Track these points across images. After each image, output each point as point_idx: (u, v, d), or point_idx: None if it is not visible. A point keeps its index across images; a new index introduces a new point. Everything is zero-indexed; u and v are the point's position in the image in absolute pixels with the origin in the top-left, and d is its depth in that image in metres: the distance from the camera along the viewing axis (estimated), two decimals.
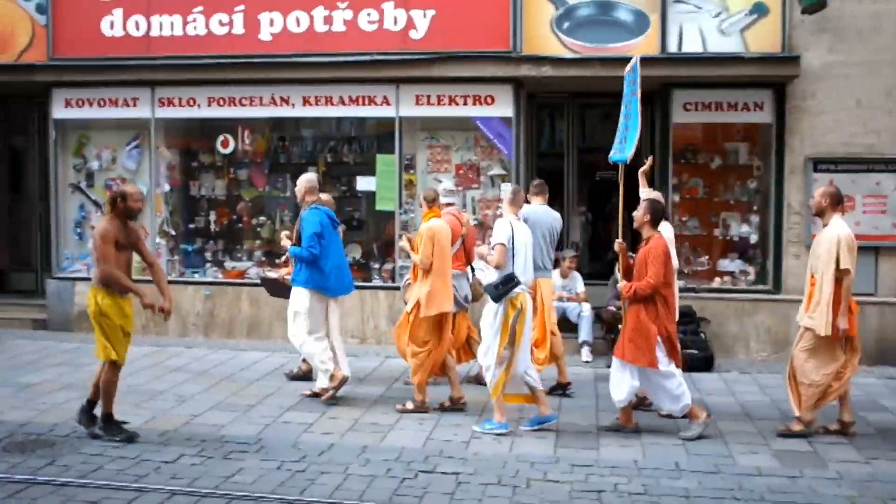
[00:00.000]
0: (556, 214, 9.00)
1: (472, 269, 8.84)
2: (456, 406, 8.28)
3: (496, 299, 7.47)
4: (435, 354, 8.12)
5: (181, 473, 6.42)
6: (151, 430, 7.50)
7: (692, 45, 10.62)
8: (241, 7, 11.20)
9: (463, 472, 6.53)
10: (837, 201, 7.52)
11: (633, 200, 8.07)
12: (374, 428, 7.67)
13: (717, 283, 11.14)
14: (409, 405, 8.21)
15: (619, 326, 9.50)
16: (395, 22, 10.91)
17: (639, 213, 7.62)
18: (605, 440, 7.42)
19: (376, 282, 11.46)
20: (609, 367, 9.73)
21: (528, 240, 7.78)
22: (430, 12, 10.82)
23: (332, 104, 11.25)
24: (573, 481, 6.40)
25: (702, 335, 10.44)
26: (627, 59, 10.19)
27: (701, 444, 7.33)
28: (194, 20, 11.32)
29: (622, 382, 7.53)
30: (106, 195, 11.89)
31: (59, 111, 11.90)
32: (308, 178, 8.59)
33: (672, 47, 10.62)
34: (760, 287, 10.98)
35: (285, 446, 7.10)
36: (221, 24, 11.27)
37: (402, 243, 8.51)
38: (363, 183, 11.34)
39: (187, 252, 12.21)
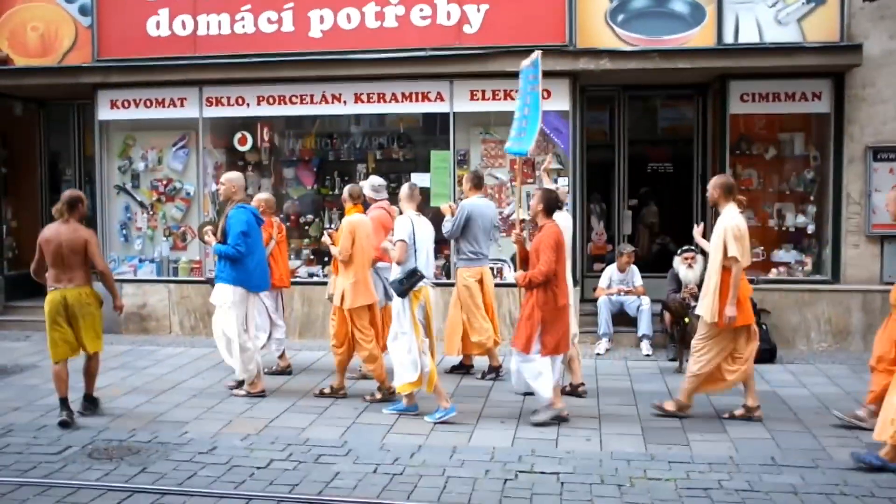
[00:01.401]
0: (493, 205, 9.53)
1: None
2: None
3: (401, 294, 7.64)
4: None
5: (279, 479, 6.32)
6: (233, 433, 7.40)
7: (748, 36, 10.54)
8: (291, 4, 11.09)
9: (562, 472, 6.44)
10: (730, 191, 7.63)
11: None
12: (457, 428, 7.57)
13: (773, 273, 11.07)
14: (377, 395, 8.45)
15: (686, 320, 9.52)
16: (449, 17, 10.81)
17: (533, 202, 7.73)
18: (692, 435, 7.34)
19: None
20: (672, 360, 9.83)
21: (431, 235, 7.93)
22: (484, 6, 10.73)
23: (385, 101, 11.16)
24: (676, 479, 6.32)
25: (763, 326, 10.33)
26: (688, 52, 10.26)
27: (790, 437, 7.28)
28: (242, 18, 11.21)
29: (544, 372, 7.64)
30: (152, 196, 11.88)
31: (104, 113, 11.79)
32: (236, 177, 8.68)
33: (728, 38, 10.54)
34: (819, 277, 10.92)
35: (373, 448, 7.00)
36: (270, 21, 11.15)
37: (324, 238, 8.65)
38: (417, 179, 11.20)
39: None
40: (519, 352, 7.58)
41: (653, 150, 12.58)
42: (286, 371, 9.61)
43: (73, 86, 11.79)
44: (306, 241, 11.97)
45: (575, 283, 10.88)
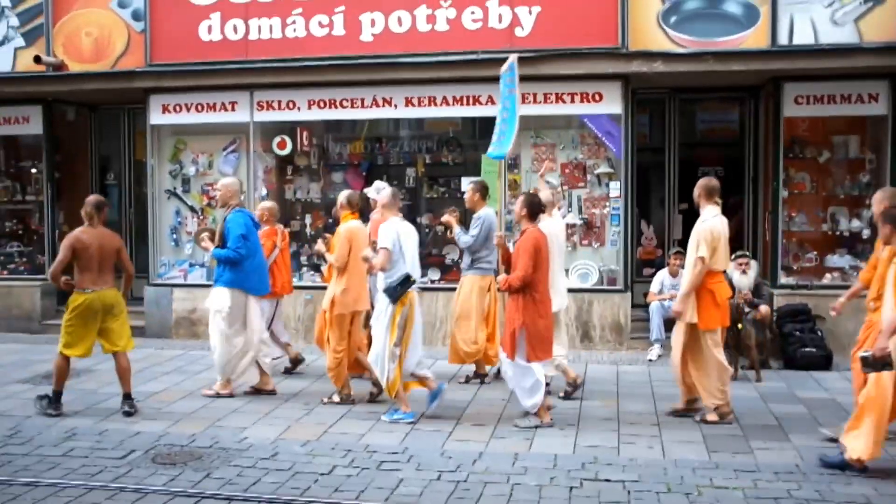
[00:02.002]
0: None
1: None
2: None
3: (395, 300, 7.72)
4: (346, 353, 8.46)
5: (343, 486, 6.31)
6: (292, 439, 7.42)
7: (803, 37, 10.37)
8: (342, 8, 11.11)
9: (627, 480, 6.38)
10: (711, 193, 7.86)
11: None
12: (518, 435, 7.53)
13: (826, 279, 10.92)
14: (335, 398, 8.55)
15: (739, 326, 9.42)
16: (500, 20, 10.77)
17: (516, 207, 7.78)
18: (754, 443, 7.25)
19: None
20: (743, 367, 9.69)
21: (416, 240, 8.01)
22: (536, 9, 10.68)
23: (436, 104, 11.14)
24: (743, 487, 6.24)
25: (818, 333, 10.22)
26: (743, 54, 10.15)
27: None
28: (293, 22, 11.24)
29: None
30: (202, 200, 11.96)
31: (156, 117, 11.89)
32: (231, 182, 8.89)
33: (782, 40, 10.38)
34: None
35: (434, 455, 6.98)
36: (321, 25, 11.18)
37: (318, 245, 8.71)
38: (468, 184, 11.18)
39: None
40: (507, 358, 7.63)
41: (702, 153, 12.43)
42: (299, 361, 9.90)
43: (125, 90, 11.91)
44: None
45: (625, 287, 10.89)
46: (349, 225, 8.40)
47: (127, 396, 8.26)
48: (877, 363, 6.29)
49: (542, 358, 7.64)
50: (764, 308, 9.93)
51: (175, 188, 12.11)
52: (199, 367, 10.31)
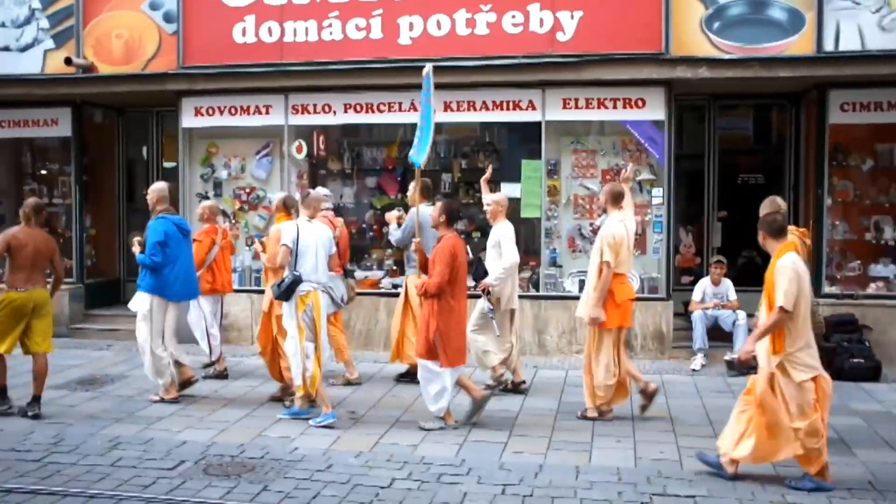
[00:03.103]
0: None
1: (346, 272, 9.52)
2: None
3: (280, 298, 7.84)
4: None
5: (407, 500, 6.13)
6: (345, 451, 7.23)
7: (849, 43, 10.22)
8: (380, 11, 10.95)
9: (697, 496, 6.22)
10: (616, 199, 8.11)
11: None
12: (575, 446, 7.37)
13: (871, 289, 10.78)
14: (287, 402, 8.55)
15: None
16: (542, 24, 10.62)
17: (434, 213, 7.85)
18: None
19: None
20: None
21: (322, 241, 8.06)
22: (578, 13, 10.53)
23: (475, 109, 11.00)
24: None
25: (866, 343, 10.06)
26: (789, 60, 10.01)
27: None
28: (329, 25, 11.08)
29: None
30: (234, 204, 11.79)
31: (188, 120, 11.72)
32: (158, 187, 8.93)
33: (828, 46, 10.24)
34: None
35: (493, 468, 6.80)
36: (358, 28, 11.02)
37: (255, 246, 8.71)
38: (508, 190, 11.01)
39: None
40: (422, 361, 7.75)
41: (742, 161, 12.30)
42: (223, 375, 9.84)
43: (155, 93, 11.75)
44: (388, 251, 11.80)
45: (667, 296, 10.74)
46: (282, 226, 8.36)
47: (36, 399, 8.24)
48: (742, 366, 6.45)
49: (454, 364, 7.72)
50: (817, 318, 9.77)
51: (206, 192, 11.92)
52: (234, 374, 10.11)
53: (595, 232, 10.80)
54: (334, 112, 11.33)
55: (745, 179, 12.15)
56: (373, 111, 11.25)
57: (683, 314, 11.04)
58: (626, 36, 10.46)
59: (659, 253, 10.78)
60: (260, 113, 11.53)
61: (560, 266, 11.01)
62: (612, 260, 7.88)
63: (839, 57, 10.13)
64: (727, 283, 10.64)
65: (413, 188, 8.96)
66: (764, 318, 6.40)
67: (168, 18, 11.68)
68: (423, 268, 8.02)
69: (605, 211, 8.31)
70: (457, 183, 11.91)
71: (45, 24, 12.10)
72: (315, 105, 11.35)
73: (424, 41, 10.87)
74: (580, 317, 8.29)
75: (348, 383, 9.47)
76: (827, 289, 10.69)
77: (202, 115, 11.69)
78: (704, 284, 10.67)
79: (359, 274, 11.73)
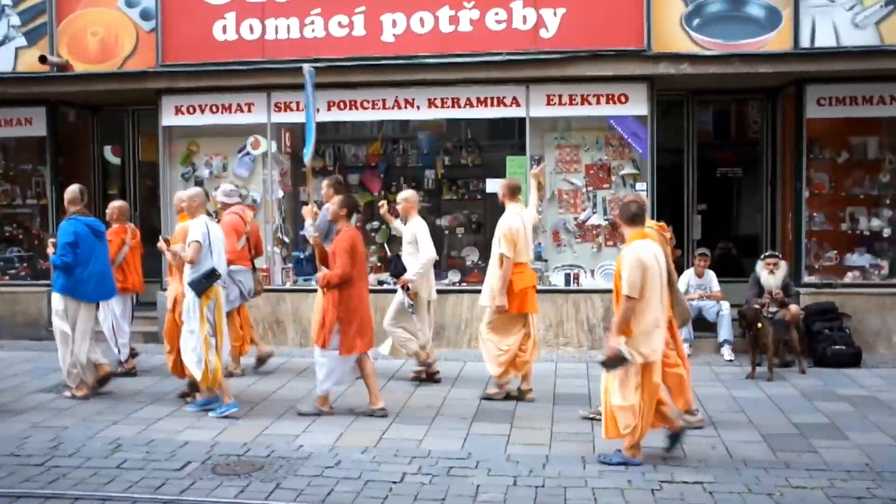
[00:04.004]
0: None
1: (254, 266, 9.90)
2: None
3: (199, 293, 8.04)
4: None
5: (422, 494, 6.15)
6: (350, 447, 7.24)
7: (824, 40, 10.45)
8: (362, 8, 10.94)
9: (705, 482, 6.35)
10: (514, 192, 8.61)
11: None
12: (578, 437, 7.48)
13: (848, 278, 11.05)
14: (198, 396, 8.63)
15: (759, 325, 9.48)
16: (525, 21, 10.69)
17: (334, 207, 8.19)
18: (816, 442, 7.28)
19: None
20: (759, 364, 9.73)
21: (222, 237, 8.44)
22: (561, 10, 10.62)
23: (459, 106, 11.02)
24: (821, 487, 6.24)
25: (846, 330, 10.32)
26: (769, 56, 10.24)
27: None
28: (312, 22, 11.04)
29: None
30: (217, 204, 11.66)
31: (168, 118, 11.58)
32: (70, 190, 9.13)
33: (804, 42, 10.46)
34: None
35: (500, 460, 6.87)
36: (341, 25, 11.00)
37: (160, 244, 8.86)
38: (493, 185, 11.10)
39: (298, 259, 11.94)
40: (320, 348, 8.02)
41: (720, 155, 12.52)
42: (131, 373, 9.97)
43: (132, 91, 11.58)
44: (372, 247, 11.79)
45: None
46: (190, 223, 8.48)
47: None
48: (613, 362, 6.55)
49: (355, 351, 8.04)
50: (794, 308, 10.02)
51: None
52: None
53: (580, 226, 10.98)
54: (318, 109, 11.21)
55: (723, 173, 12.38)
56: (356, 108, 11.23)
57: None
58: (609, 33, 10.57)
59: None
60: (242, 111, 11.45)
61: (546, 260, 11.10)
62: (510, 251, 8.30)
63: (816, 53, 10.36)
64: (710, 275, 10.84)
65: (325, 185, 9.29)
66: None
67: (145, 16, 11.53)
68: (323, 261, 8.23)
69: (502, 205, 8.69)
70: (440, 179, 11.94)
71: (15, 20, 11.86)
72: (298, 102, 11.25)
73: (408, 38, 10.87)
74: (483, 305, 8.68)
75: (230, 374, 9.51)
76: (806, 278, 10.95)
77: (182, 113, 11.57)
78: (688, 276, 10.85)
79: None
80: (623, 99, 10.73)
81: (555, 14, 10.64)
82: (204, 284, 8.01)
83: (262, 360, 10.11)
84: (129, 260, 9.91)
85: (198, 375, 8.13)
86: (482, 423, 7.92)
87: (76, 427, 7.90)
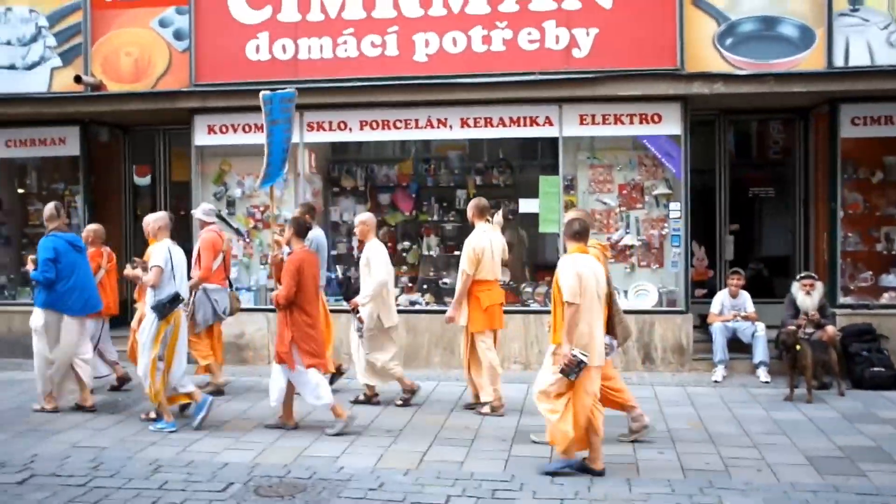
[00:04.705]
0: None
1: (231, 284, 10.15)
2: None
3: (162, 317, 8.22)
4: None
5: None
6: (391, 468, 7.19)
7: (858, 59, 10.44)
8: (395, 28, 10.97)
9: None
10: (482, 212, 8.95)
11: None
12: (619, 458, 7.39)
13: (884, 298, 10.96)
14: (153, 414, 8.75)
15: (798, 347, 9.38)
16: (557, 41, 10.69)
17: (286, 229, 8.43)
18: (864, 466, 7.18)
19: (534, 306, 11.21)
20: (796, 387, 9.63)
21: (185, 262, 8.61)
22: (594, 30, 10.62)
23: (492, 125, 11.02)
24: None
25: (884, 352, 10.22)
26: (803, 75, 10.22)
27: None
28: (345, 42, 11.09)
29: (274, 384, 8.29)
30: (248, 223, 11.72)
31: (200, 138, 11.63)
32: (46, 208, 9.31)
33: (838, 61, 10.44)
34: None
35: (543, 482, 6.80)
36: (374, 45, 11.03)
37: (127, 270, 8.86)
38: (525, 205, 11.10)
39: (329, 280, 11.89)
40: (286, 368, 8.14)
41: (752, 174, 12.48)
42: (126, 380, 10.15)
43: (164, 111, 11.64)
44: (404, 268, 11.78)
45: (686, 309, 10.83)
46: (153, 248, 8.60)
47: None
48: (570, 369, 6.74)
49: (314, 365, 8.17)
50: (831, 329, 9.94)
51: (220, 210, 11.78)
52: (259, 394, 9.97)
53: (613, 246, 10.94)
54: (350, 129, 11.31)
55: (755, 193, 12.33)
56: (389, 128, 11.24)
57: (699, 326, 11.15)
58: (641, 52, 10.57)
59: (677, 266, 10.87)
60: None
61: None
62: (470, 269, 8.68)
63: (851, 72, 10.33)
64: (745, 295, 10.76)
65: (298, 212, 9.42)
66: (551, 317, 7.04)
67: (178, 36, 11.61)
68: (279, 280, 8.40)
69: (472, 224, 9.00)
70: (472, 199, 11.88)
71: (51, 41, 11.97)
72: (330, 122, 11.32)
73: (440, 58, 10.90)
74: (451, 317, 8.97)
75: (217, 389, 9.78)
76: (842, 299, 10.85)
77: (215, 132, 11.61)
78: (722, 296, 10.78)
79: None
80: (656, 118, 10.71)
81: (587, 34, 10.64)
82: (168, 309, 8.21)
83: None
84: (104, 283, 9.99)
85: (147, 391, 8.42)
86: (522, 445, 7.86)
87: (115, 447, 7.87)
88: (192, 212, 10.28)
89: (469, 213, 9.05)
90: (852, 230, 11.11)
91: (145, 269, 8.53)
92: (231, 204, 11.85)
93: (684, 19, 10.50)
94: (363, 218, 9.40)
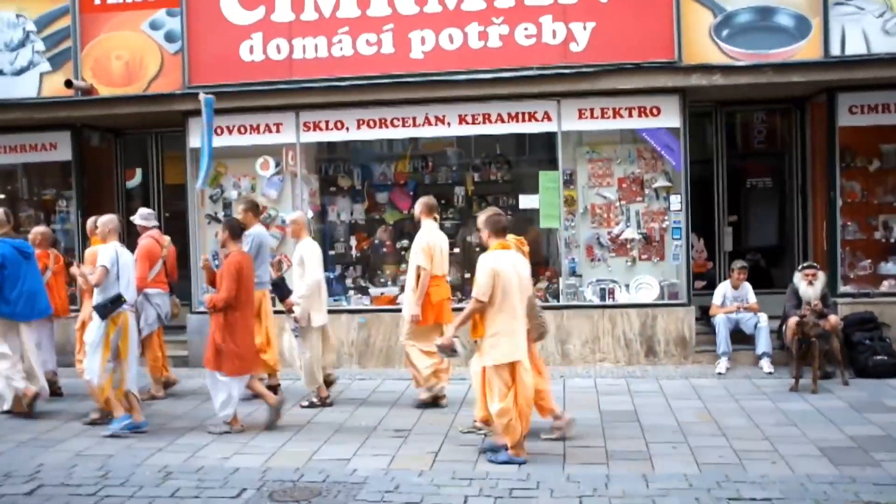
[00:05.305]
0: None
1: (172, 289, 10.07)
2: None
3: (103, 317, 8.23)
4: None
5: None
6: (405, 470, 7.12)
7: (855, 48, 10.44)
8: (390, 26, 10.89)
9: (774, 498, 6.25)
10: (430, 210, 9.07)
11: None
12: (633, 455, 7.37)
13: (884, 286, 10.99)
14: (95, 416, 8.84)
15: (813, 338, 9.38)
16: (555, 35, 10.65)
17: (221, 232, 8.46)
18: (878, 455, 7.16)
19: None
20: (799, 377, 9.63)
21: (132, 262, 8.65)
22: (591, 24, 10.59)
23: (490, 122, 10.97)
24: (893, 502, 6.16)
25: (887, 340, 10.25)
26: (801, 65, 10.21)
27: None
28: (340, 41, 11.00)
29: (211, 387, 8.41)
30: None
31: (195, 140, 11.45)
32: None
33: (835, 50, 10.44)
34: None
35: (559, 480, 6.74)
36: (369, 43, 10.95)
37: (73, 269, 9.16)
38: (525, 201, 11.06)
39: (328, 279, 11.81)
40: (211, 371, 8.25)
41: (748, 165, 12.49)
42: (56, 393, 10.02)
43: (158, 114, 11.52)
44: (403, 266, 11.70)
45: (688, 301, 10.81)
46: (99, 248, 8.69)
47: None
48: (445, 350, 7.26)
49: (244, 373, 8.32)
50: (834, 318, 9.94)
51: (216, 213, 11.71)
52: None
53: (613, 240, 10.92)
54: (347, 128, 11.22)
55: (753, 184, 12.34)
56: (386, 126, 11.17)
57: (700, 318, 11.14)
58: (638, 46, 10.54)
59: (679, 259, 10.87)
60: (270, 131, 11.38)
61: (580, 275, 11.04)
62: (427, 263, 8.76)
63: (848, 61, 10.33)
64: (746, 286, 10.77)
65: (241, 210, 9.56)
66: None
67: (170, 38, 11.48)
68: (211, 283, 8.49)
69: (418, 221, 9.13)
70: (470, 196, 11.89)
71: (40, 46, 11.81)
72: (327, 122, 11.23)
73: (437, 55, 10.83)
74: (404, 317, 9.11)
75: (153, 398, 9.84)
76: (842, 288, 10.88)
77: None
78: (724, 288, 10.79)
79: (373, 291, 11.67)
80: (655, 111, 10.69)
81: (584, 28, 10.61)
82: (109, 309, 8.22)
83: (168, 385, 10.17)
84: (51, 285, 9.94)
85: (108, 394, 8.44)
86: (534, 443, 7.78)
87: (121, 455, 7.77)
88: (132, 217, 10.20)
89: (417, 211, 9.13)
90: (851, 219, 11.14)
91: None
92: (227, 206, 11.72)
93: (681, 11, 10.48)
94: (294, 217, 9.43)
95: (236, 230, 8.42)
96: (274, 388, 9.39)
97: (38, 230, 10.22)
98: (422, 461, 7.36)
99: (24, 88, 11.84)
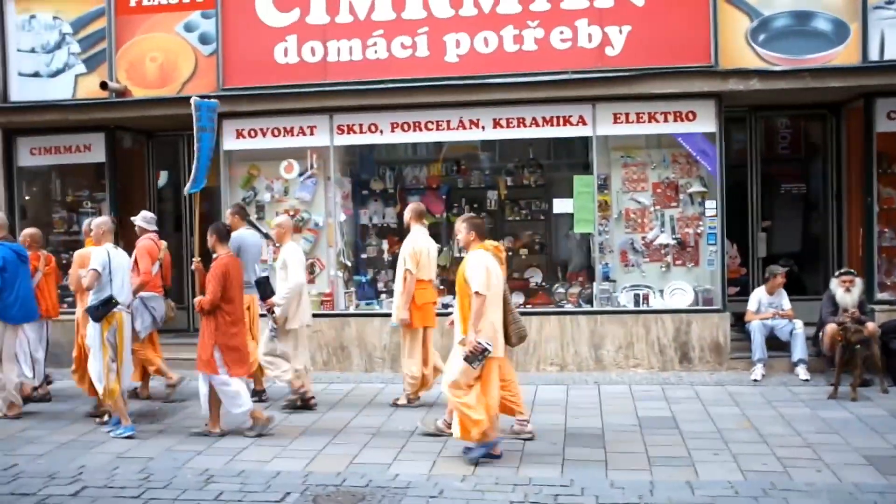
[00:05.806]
0: (259, 236, 10.19)
1: (167, 292, 10.17)
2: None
3: (97, 319, 8.30)
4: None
5: None
6: (448, 474, 7.10)
7: (894, 53, 10.36)
8: (425, 29, 10.88)
9: None
10: (419, 216, 9.31)
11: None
12: (676, 461, 7.33)
13: None
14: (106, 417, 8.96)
15: (858, 346, 9.32)
16: (590, 39, 10.62)
17: (208, 236, 8.51)
18: None
19: (568, 307, 11.14)
20: (838, 385, 9.56)
21: (126, 265, 8.68)
22: (627, 28, 10.55)
23: (525, 125, 10.93)
24: None
25: None
26: (839, 70, 10.14)
27: None
28: (374, 44, 11.00)
29: (201, 390, 8.42)
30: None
31: (229, 142, 11.52)
32: None
33: (873, 55, 10.37)
34: None
35: (603, 486, 6.72)
36: (404, 46, 10.95)
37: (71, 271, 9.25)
38: (559, 205, 11.02)
39: (360, 283, 11.84)
40: (209, 375, 8.25)
41: (783, 170, 12.42)
42: (45, 398, 10.07)
43: (191, 116, 11.47)
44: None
45: (723, 307, 10.76)
46: (90, 251, 8.77)
47: None
48: (475, 356, 7.11)
49: (238, 373, 8.34)
50: (871, 325, 9.86)
51: (249, 215, 11.69)
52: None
53: (648, 245, 10.88)
54: (381, 131, 11.21)
55: (787, 189, 12.26)
56: (419, 130, 11.15)
57: (734, 325, 11.07)
58: (674, 50, 10.50)
59: (714, 265, 10.81)
60: (304, 134, 11.39)
61: (614, 281, 10.99)
62: (414, 268, 8.97)
63: (887, 66, 10.25)
64: (782, 293, 10.69)
65: (229, 214, 9.86)
66: (457, 310, 7.46)
67: (204, 40, 11.51)
68: (202, 288, 8.50)
69: (407, 227, 9.33)
70: (503, 200, 11.86)
71: (76, 48, 11.88)
72: (361, 125, 11.23)
73: (472, 58, 10.82)
74: (393, 325, 9.46)
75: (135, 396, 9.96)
76: (879, 295, 10.80)
77: (244, 136, 11.51)
78: (759, 294, 10.71)
79: None
80: (691, 116, 10.64)
81: (620, 32, 10.57)
82: (101, 311, 8.28)
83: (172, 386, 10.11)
84: (42, 286, 9.95)
85: (101, 393, 8.52)
86: (575, 448, 7.79)
87: (161, 457, 7.78)
88: (132, 218, 10.16)
89: (406, 217, 9.33)
90: (887, 225, 11.05)
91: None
92: (260, 208, 11.73)
93: (717, 15, 10.43)
94: (279, 221, 9.54)
95: (223, 233, 8.52)
96: (259, 393, 9.78)
97: (28, 232, 10.17)
98: (464, 467, 7.34)
99: (60, 90, 11.91)
